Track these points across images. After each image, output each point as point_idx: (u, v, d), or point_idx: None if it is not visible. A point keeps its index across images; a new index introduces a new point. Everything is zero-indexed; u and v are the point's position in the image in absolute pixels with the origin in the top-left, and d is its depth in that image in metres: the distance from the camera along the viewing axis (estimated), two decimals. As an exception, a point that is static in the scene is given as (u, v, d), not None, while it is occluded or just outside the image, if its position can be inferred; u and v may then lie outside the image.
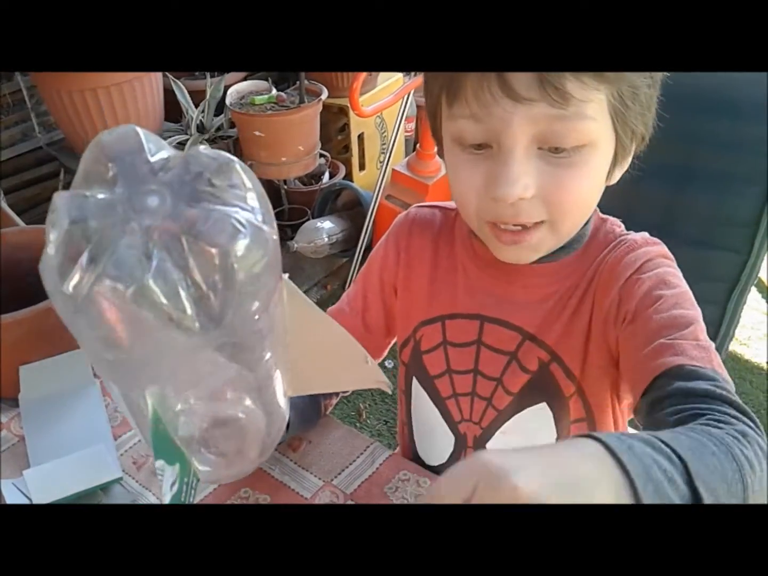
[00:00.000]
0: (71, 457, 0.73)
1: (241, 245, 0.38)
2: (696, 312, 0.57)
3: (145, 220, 0.38)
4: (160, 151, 0.40)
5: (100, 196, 0.38)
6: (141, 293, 0.36)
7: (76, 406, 0.81)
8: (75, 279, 0.37)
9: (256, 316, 0.41)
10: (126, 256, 0.36)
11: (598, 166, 0.57)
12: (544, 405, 0.68)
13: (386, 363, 1.78)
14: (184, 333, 0.38)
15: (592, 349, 0.64)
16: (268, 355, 0.46)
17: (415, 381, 0.77)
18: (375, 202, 2.01)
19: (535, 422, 0.69)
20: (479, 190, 0.57)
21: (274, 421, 0.53)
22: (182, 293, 0.37)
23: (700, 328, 0.55)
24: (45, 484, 0.69)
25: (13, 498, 0.69)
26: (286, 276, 0.46)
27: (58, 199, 0.38)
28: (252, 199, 0.40)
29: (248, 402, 0.48)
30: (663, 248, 0.63)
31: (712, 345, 0.54)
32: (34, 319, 0.78)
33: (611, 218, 0.67)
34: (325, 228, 2.18)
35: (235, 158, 0.41)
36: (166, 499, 0.47)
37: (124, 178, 0.39)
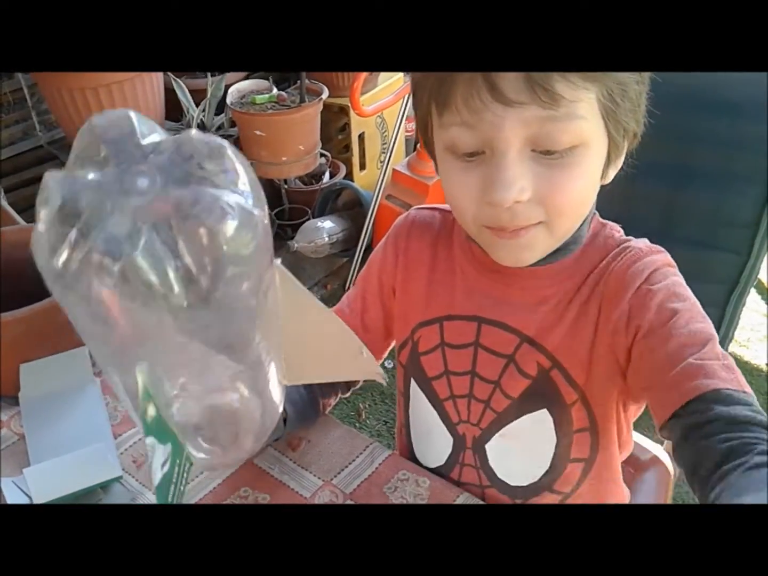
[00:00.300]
0: (71, 455, 0.73)
1: (230, 227, 0.38)
2: (709, 324, 0.58)
3: (135, 199, 0.38)
4: (152, 134, 0.41)
5: (91, 176, 0.39)
6: (129, 269, 0.36)
7: (76, 405, 0.81)
8: (64, 255, 0.37)
9: (246, 298, 0.41)
10: (115, 233, 0.37)
11: (592, 165, 0.57)
12: (544, 411, 0.67)
13: (386, 363, 1.78)
14: (173, 311, 0.38)
15: (598, 357, 0.64)
16: (258, 338, 0.45)
17: (413, 382, 0.77)
18: (375, 201, 2.01)
19: (534, 428, 0.69)
20: (475, 196, 0.57)
21: (268, 409, 0.53)
22: (170, 271, 0.37)
23: (717, 342, 0.56)
24: (45, 482, 0.70)
25: (13, 496, 0.69)
26: (278, 261, 0.46)
27: (50, 179, 0.39)
28: (243, 183, 0.40)
29: (243, 389, 0.48)
30: (667, 256, 0.63)
31: (733, 361, 0.55)
32: (33, 318, 0.78)
33: (610, 223, 0.67)
34: (325, 228, 2.18)
35: (226, 143, 0.41)
36: (157, 478, 0.46)
37: (116, 159, 0.39)
